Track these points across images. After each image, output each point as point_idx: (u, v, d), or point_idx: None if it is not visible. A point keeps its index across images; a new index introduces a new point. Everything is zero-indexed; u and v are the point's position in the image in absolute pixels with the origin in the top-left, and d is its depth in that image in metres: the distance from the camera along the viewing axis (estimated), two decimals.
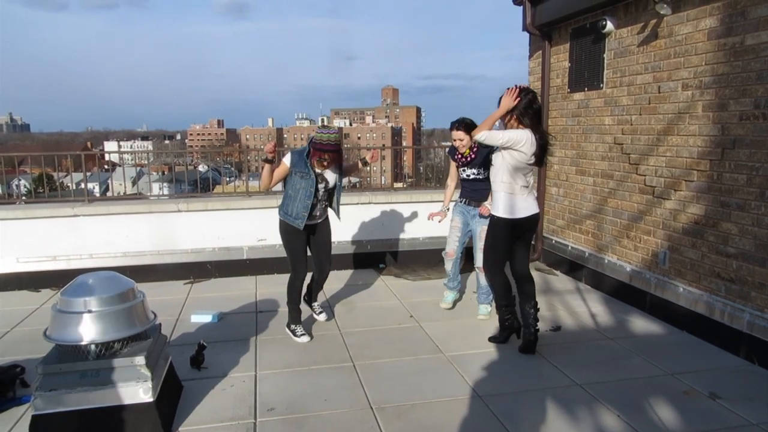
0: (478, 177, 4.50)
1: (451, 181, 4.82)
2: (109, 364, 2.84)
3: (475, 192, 4.55)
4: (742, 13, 3.75)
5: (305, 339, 4.21)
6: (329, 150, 3.93)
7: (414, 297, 5.32)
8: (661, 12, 4.33)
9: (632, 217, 4.94)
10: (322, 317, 4.57)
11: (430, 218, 4.77)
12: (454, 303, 4.96)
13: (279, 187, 4.33)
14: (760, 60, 3.64)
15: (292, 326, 4.28)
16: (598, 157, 5.40)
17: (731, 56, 3.86)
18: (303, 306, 4.40)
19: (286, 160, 4.05)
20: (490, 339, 4.20)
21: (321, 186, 4.07)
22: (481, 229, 4.46)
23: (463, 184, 4.66)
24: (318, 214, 4.17)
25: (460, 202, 4.69)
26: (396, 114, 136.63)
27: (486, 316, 4.68)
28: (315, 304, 4.60)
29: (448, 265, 4.81)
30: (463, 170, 4.58)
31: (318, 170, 4.03)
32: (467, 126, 4.39)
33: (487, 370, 3.71)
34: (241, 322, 4.70)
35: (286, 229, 4.12)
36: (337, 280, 5.91)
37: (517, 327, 4.09)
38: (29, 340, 4.28)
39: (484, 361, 3.83)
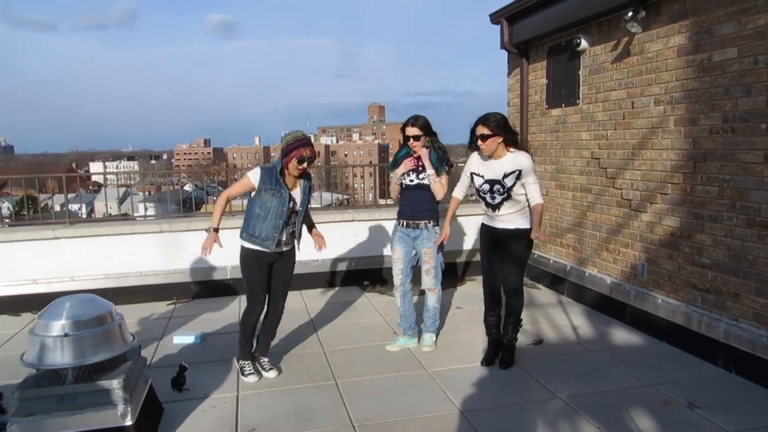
0: (422, 181, 4.16)
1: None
2: (87, 387, 2.82)
3: (420, 201, 4.18)
4: (708, 30, 3.87)
5: (253, 379, 3.83)
6: (305, 144, 3.64)
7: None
8: (632, 30, 4.45)
9: (611, 230, 5.02)
10: (271, 374, 3.90)
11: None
12: (402, 348, 4.39)
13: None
14: (727, 76, 3.74)
15: (242, 362, 3.91)
16: (576, 172, 5.48)
17: (700, 72, 3.97)
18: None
19: (253, 176, 3.69)
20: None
21: (291, 205, 3.74)
22: (425, 251, 4.22)
23: (404, 197, 4.25)
24: (285, 239, 3.78)
25: (400, 225, 4.30)
26: (383, 131, 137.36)
27: (431, 347, 4.35)
28: (264, 360, 3.96)
29: (397, 300, 4.39)
30: (409, 175, 4.17)
31: (289, 186, 3.72)
32: (424, 123, 4.10)
33: (470, 385, 3.73)
34: (224, 342, 4.67)
35: (248, 256, 3.78)
36: (321, 297, 5.92)
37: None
38: (8, 365, 4.22)
39: (467, 377, 3.85)
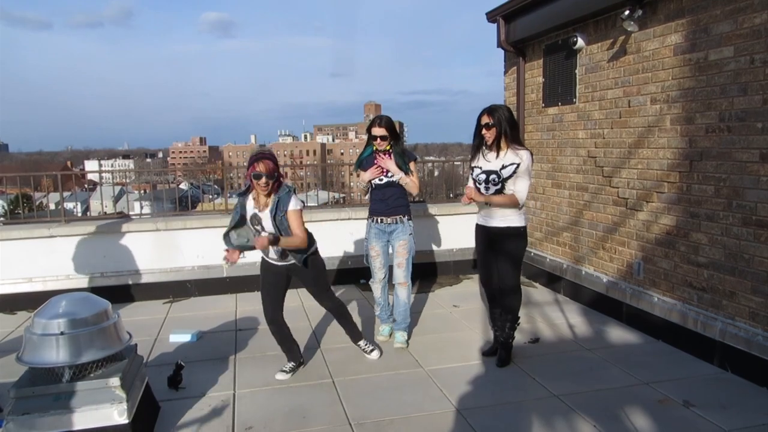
0: (390, 179, 4.26)
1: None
2: (83, 386, 2.81)
3: (393, 198, 4.27)
4: (705, 29, 3.88)
5: (282, 376, 3.86)
6: (260, 158, 3.43)
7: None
8: (629, 29, 4.45)
9: (607, 229, 5.03)
10: (374, 355, 4.07)
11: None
12: (391, 333, 4.58)
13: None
14: (723, 74, 3.75)
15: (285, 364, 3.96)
16: (573, 170, 5.49)
17: (696, 71, 3.98)
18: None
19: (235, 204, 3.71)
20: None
21: (259, 228, 3.57)
22: (399, 244, 4.31)
23: (375, 195, 4.33)
24: (276, 256, 3.69)
25: (374, 222, 4.37)
26: None
27: (404, 344, 4.35)
28: (361, 342, 4.16)
29: (377, 292, 4.52)
30: (379, 177, 4.27)
31: (261, 206, 3.54)
32: (389, 122, 4.25)
33: (466, 383, 3.73)
34: (221, 340, 4.67)
35: (261, 264, 3.84)
36: None
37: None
38: (4, 363, 4.20)
39: (463, 375, 3.85)
